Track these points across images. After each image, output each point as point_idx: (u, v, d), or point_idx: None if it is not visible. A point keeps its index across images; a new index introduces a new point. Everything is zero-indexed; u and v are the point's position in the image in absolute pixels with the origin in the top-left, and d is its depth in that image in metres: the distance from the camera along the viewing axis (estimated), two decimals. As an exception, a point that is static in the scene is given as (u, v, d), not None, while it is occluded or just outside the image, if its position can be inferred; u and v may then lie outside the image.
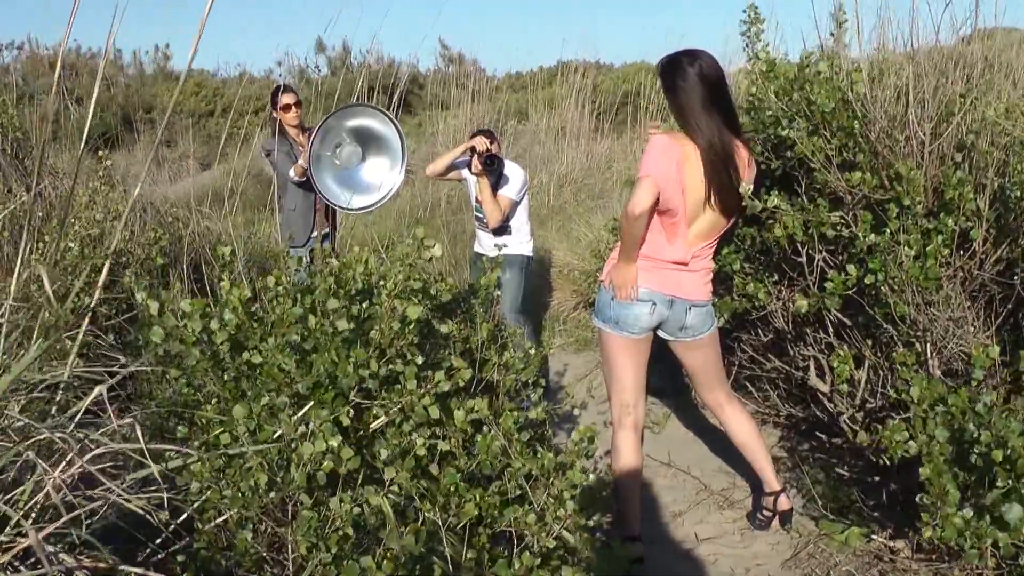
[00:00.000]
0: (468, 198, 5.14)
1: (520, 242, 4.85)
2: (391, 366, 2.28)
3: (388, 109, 5.94)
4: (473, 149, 4.67)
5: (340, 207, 5.00)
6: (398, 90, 8.07)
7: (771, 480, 3.18)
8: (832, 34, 3.39)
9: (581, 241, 6.58)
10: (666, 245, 2.88)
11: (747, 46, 3.40)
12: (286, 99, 5.17)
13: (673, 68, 2.78)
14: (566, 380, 5.06)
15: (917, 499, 2.34)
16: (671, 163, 2.75)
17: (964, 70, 3.16)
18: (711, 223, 2.88)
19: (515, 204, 4.78)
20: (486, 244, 4.88)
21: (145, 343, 2.26)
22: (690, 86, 2.74)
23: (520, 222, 4.87)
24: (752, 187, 2.85)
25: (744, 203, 2.84)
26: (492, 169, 4.53)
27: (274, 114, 5.35)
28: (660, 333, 3.05)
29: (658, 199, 2.75)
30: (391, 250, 3.12)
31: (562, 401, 2.99)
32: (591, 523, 2.19)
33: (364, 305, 2.28)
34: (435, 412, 2.24)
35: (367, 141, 5.07)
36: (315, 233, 5.28)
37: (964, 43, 3.38)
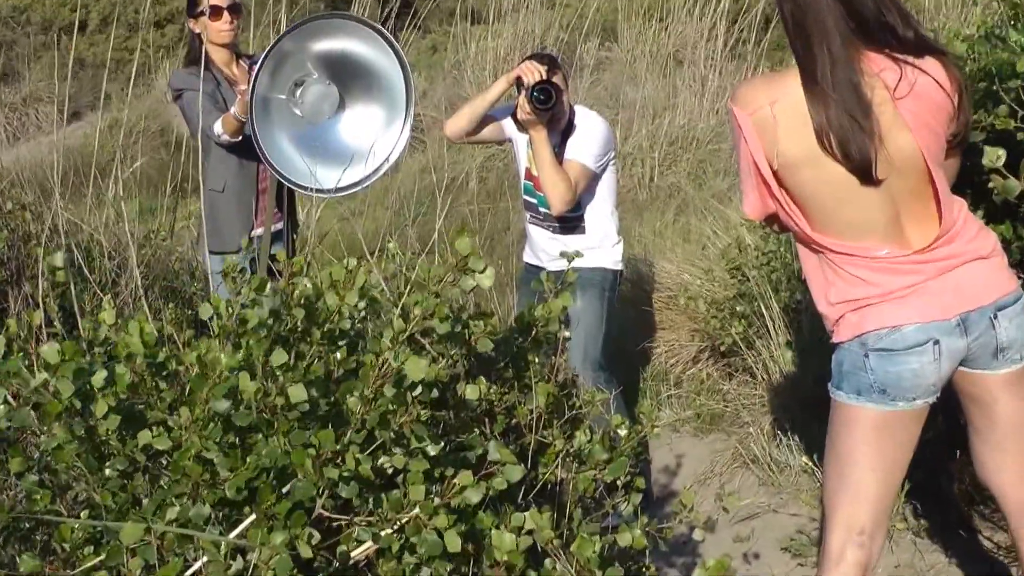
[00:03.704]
0: (516, 171, 5.16)
1: (602, 247, 4.88)
2: (383, 459, 2.29)
3: (383, 24, 6.01)
4: (519, 82, 4.70)
5: (302, 187, 5.06)
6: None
7: None
8: None
9: (708, 246, 6.57)
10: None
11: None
12: (214, -1, 5.29)
13: None
14: (680, 482, 5.05)
15: None
16: None
17: None
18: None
19: (593, 178, 4.81)
20: (545, 249, 4.92)
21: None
22: None
23: (602, 212, 4.89)
24: None
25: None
26: (545, 108, 4.55)
27: (191, 26, 5.45)
28: (962, 380, 3.10)
29: None
30: (386, 262, 3.15)
31: (674, 517, 2.98)
32: None
33: (341, 355, 2.29)
34: (454, 540, 2.23)
35: (348, 78, 5.14)
36: (258, 230, 5.36)
37: None
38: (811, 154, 2.89)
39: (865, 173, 2.87)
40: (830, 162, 2.88)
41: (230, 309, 2.39)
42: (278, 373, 2.23)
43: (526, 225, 5.06)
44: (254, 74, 4.82)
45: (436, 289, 2.33)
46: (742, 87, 3.07)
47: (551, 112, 4.58)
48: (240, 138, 5.09)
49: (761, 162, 2.96)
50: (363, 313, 2.71)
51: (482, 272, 2.42)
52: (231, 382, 2.24)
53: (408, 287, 2.39)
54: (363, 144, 5.14)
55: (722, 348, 5.85)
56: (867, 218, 2.94)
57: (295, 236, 5.60)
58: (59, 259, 2.63)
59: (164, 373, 2.40)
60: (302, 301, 2.35)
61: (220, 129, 5.10)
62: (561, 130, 4.75)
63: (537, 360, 2.98)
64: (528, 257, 5.11)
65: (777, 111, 2.92)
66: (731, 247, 5.94)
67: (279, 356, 2.20)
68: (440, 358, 2.45)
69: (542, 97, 4.55)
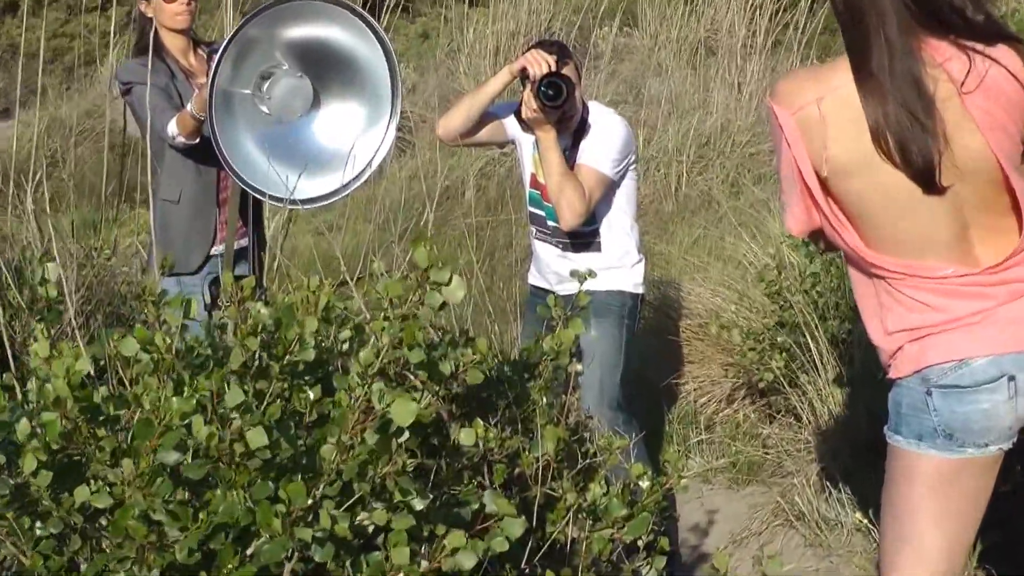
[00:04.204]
0: (520, 178, 5.16)
1: (620, 266, 4.89)
2: (362, 516, 2.28)
3: (365, 7, 6.02)
4: (523, 74, 4.71)
5: (270, 197, 5.08)
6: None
7: None
8: None
9: (744, 266, 6.58)
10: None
11: None
12: (169, -22, 5.30)
13: None
14: (713, 542, 5.03)
15: None
16: None
17: None
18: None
19: (610, 186, 4.82)
20: (554, 269, 4.92)
21: None
22: None
23: (620, 226, 4.90)
24: None
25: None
26: (554, 104, 4.55)
27: (141, 8, 5.45)
28: None
29: None
30: (368, 285, 3.14)
31: (705, 585, 2.98)
32: None
33: (311, 396, 2.28)
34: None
35: (323, 69, 5.16)
36: (217, 248, 5.36)
37: None
38: (865, 159, 2.88)
39: (927, 180, 2.86)
40: (887, 168, 2.87)
41: (166, 341, 2.37)
42: (234, 415, 2.22)
43: (532, 241, 5.07)
44: (214, 65, 4.83)
45: (405, 311, 2.32)
46: (783, 81, 3.07)
47: (561, 109, 4.59)
48: (198, 140, 5.09)
49: (806, 169, 2.95)
50: (344, 345, 2.71)
51: (448, 284, 2.41)
52: (181, 430, 2.23)
53: (376, 312, 2.38)
54: (341, 146, 5.16)
55: (761, 385, 5.84)
56: (929, 232, 2.94)
57: (262, 254, 5.60)
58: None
59: (103, 418, 2.39)
60: (257, 330, 2.34)
61: (175, 130, 5.09)
62: (573, 130, 4.76)
63: (544, 400, 2.98)
64: (534, 279, 5.11)
65: (825, 109, 2.92)
66: (771, 267, 5.93)
67: (234, 395, 2.19)
68: (428, 396, 2.44)
69: (551, 92, 4.55)
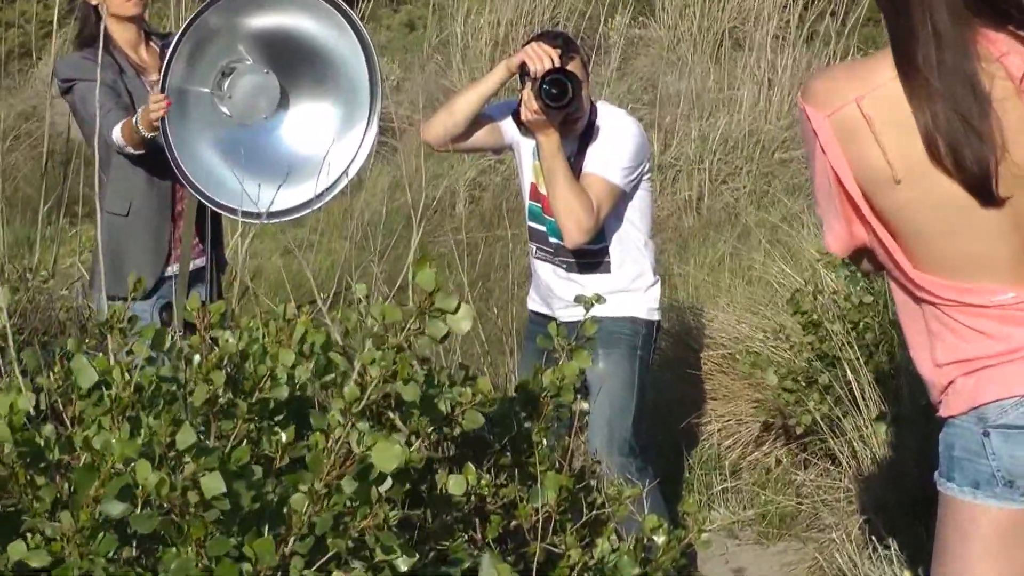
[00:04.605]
0: (519, 188, 5.16)
1: (633, 290, 4.90)
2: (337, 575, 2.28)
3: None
4: (523, 71, 4.73)
5: (231, 210, 5.10)
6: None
7: None
8: None
9: (776, 290, 6.59)
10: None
11: None
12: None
13: None
14: (739, 606, 5.04)
15: None
16: None
17: None
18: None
19: (621, 198, 4.84)
20: (557, 293, 4.94)
21: None
22: None
23: (632, 243, 4.92)
24: None
25: None
26: (558, 105, 4.55)
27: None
28: None
29: None
30: (344, 311, 3.14)
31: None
32: None
33: (283, 438, 2.28)
34: None
35: (293, 64, 5.18)
36: (172, 268, 5.37)
37: None
38: (912, 167, 2.88)
39: (983, 190, 2.86)
40: (938, 176, 2.87)
41: (125, 375, 2.38)
42: (187, 459, 2.22)
43: (531, 261, 5.09)
44: (167, 59, 4.84)
45: (398, 341, 2.32)
46: (818, 79, 3.07)
47: (566, 111, 4.60)
48: (150, 135, 5.06)
49: (846, 178, 2.95)
50: (324, 379, 2.71)
51: (456, 312, 2.41)
52: (127, 476, 2.22)
53: (363, 341, 2.38)
54: (313, 152, 5.18)
55: (795, 426, 5.84)
56: (986, 251, 2.93)
57: (222, 275, 5.60)
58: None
59: (42, 464, 2.38)
60: (223, 362, 2.34)
61: (119, 138, 5.08)
62: (579, 134, 4.77)
63: (545, 442, 2.98)
64: (534, 304, 5.13)
65: (866, 110, 2.91)
66: (806, 291, 5.94)
67: (185, 436, 2.19)
68: (414, 437, 2.44)
69: (554, 91, 4.56)
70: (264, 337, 2.56)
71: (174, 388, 2.45)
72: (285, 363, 2.44)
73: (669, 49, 10.85)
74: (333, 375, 2.59)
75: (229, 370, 2.45)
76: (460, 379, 2.79)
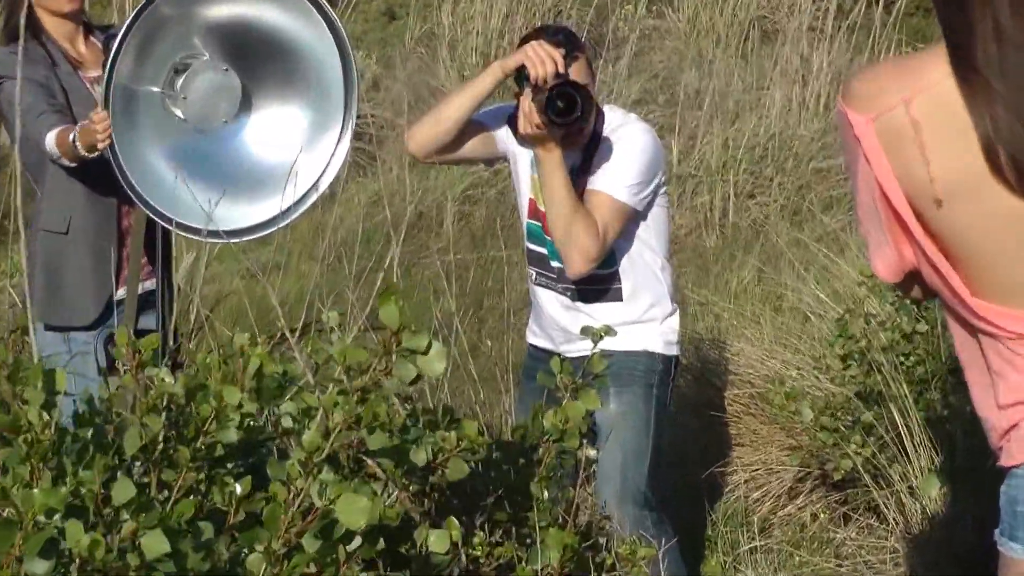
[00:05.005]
0: (516, 204, 5.16)
1: (648, 320, 4.91)
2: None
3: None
4: (521, 74, 4.73)
5: (185, 227, 5.09)
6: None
7: None
8: None
9: (812, 317, 6.60)
10: None
11: None
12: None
13: None
14: None
15: None
16: None
17: None
18: None
19: (633, 217, 4.84)
20: (560, 324, 4.94)
21: None
22: None
23: (647, 267, 4.93)
24: None
25: None
26: (565, 121, 4.54)
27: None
28: None
29: None
30: (315, 342, 3.14)
31: None
32: None
33: (236, 490, 2.27)
34: None
35: (256, 61, 5.19)
36: (120, 292, 5.35)
37: None
38: (970, 179, 2.87)
39: None
40: (999, 190, 2.86)
41: (43, 416, 2.36)
42: (125, 515, 2.21)
43: (531, 288, 5.09)
44: (112, 54, 4.82)
45: (362, 384, 2.31)
46: (861, 78, 3.06)
47: (573, 128, 4.59)
48: (96, 154, 5.03)
49: (893, 193, 2.94)
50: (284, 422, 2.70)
51: (427, 352, 2.40)
52: (51, 529, 2.21)
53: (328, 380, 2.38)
54: (279, 162, 5.18)
55: (833, 472, 5.84)
56: None
57: (174, 301, 5.59)
58: None
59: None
60: (162, 403, 2.33)
61: (53, 147, 5.03)
62: (583, 144, 4.76)
63: (547, 494, 2.98)
64: (535, 337, 5.13)
65: (916, 112, 2.90)
66: (848, 320, 5.94)
67: (123, 489, 2.18)
68: (389, 488, 2.43)
69: (562, 105, 4.54)
70: (214, 372, 2.55)
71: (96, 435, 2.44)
72: (231, 401, 2.42)
73: (689, 42, 10.87)
74: (290, 418, 2.58)
75: (170, 411, 2.44)
76: (444, 422, 2.78)
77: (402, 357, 2.40)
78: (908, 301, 5.38)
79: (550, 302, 4.94)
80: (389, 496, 2.56)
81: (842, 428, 5.73)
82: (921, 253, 2.97)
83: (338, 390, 2.41)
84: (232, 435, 2.45)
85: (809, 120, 9.86)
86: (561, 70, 4.59)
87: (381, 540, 2.33)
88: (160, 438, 2.38)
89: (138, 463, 2.40)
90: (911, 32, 10.36)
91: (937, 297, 3.08)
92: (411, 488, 2.72)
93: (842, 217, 8.45)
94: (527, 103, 4.60)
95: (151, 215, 5.02)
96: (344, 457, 2.44)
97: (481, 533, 2.77)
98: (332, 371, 2.67)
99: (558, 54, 4.63)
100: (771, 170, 9.57)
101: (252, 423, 2.54)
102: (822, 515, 5.98)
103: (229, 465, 2.47)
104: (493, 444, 3.00)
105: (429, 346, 2.42)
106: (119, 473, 2.28)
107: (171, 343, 4.98)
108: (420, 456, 2.67)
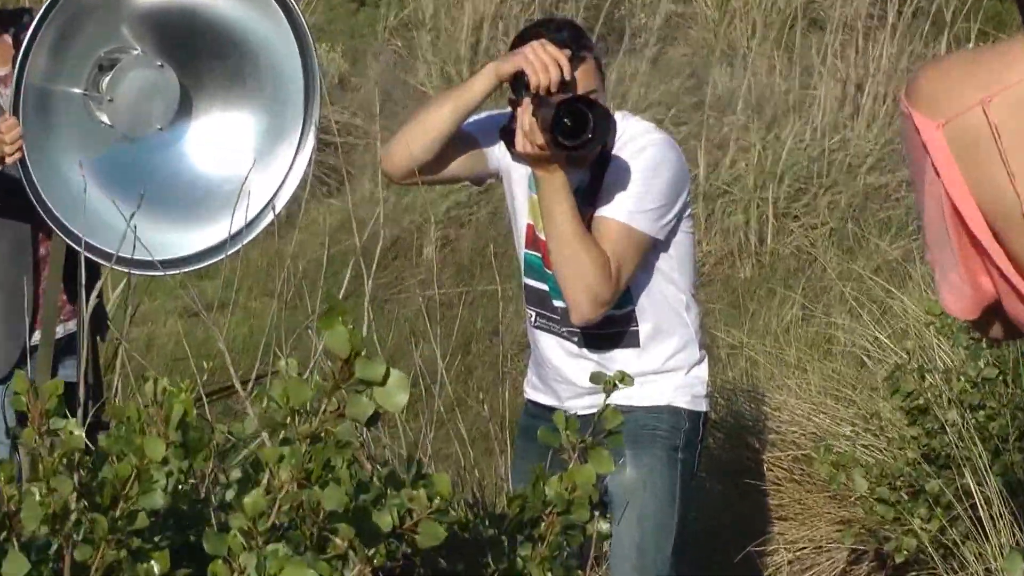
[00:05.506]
0: (510, 227, 5.15)
1: (670, 369, 4.92)
2: None
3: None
4: (517, 81, 4.72)
5: (112, 257, 5.06)
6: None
7: None
8: None
9: (865, 362, 6.58)
10: None
11: None
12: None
13: None
14: None
15: None
16: None
17: None
18: None
19: (651, 246, 4.83)
20: (565, 374, 4.96)
21: None
22: None
23: (668, 305, 4.94)
24: None
25: None
26: (574, 143, 4.52)
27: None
28: None
29: None
30: (264, 390, 3.12)
31: None
32: None
33: (155, 570, 2.25)
34: None
35: (199, 57, 5.23)
36: (37, 334, 5.37)
37: None
38: None
39: None
40: None
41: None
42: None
43: (530, 331, 5.10)
44: (23, 48, 4.82)
45: (310, 430, 2.29)
46: (928, 74, 3.04)
47: (581, 152, 4.57)
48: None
49: (967, 211, 2.92)
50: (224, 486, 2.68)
51: (384, 382, 2.36)
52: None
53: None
54: (227, 176, 5.17)
55: (894, 553, 5.83)
56: None
57: (101, 344, 5.58)
58: None
59: None
60: (73, 464, 2.30)
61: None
62: (592, 160, 4.74)
63: (551, 573, 2.95)
64: (534, 391, 5.16)
65: (996, 116, 2.89)
66: (909, 368, 5.94)
67: (15, 566, 2.16)
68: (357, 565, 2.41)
69: (569, 123, 4.52)
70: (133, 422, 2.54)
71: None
72: (154, 457, 2.39)
73: (718, 32, 10.91)
74: (224, 478, 2.56)
75: (81, 474, 2.42)
76: (410, 478, 2.76)
77: (354, 392, 2.38)
78: (985, 343, 5.37)
79: (553, 349, 4.94)
80: (350, 571, 2.54)
81: (904, 498, 5.73)
82: (1004, 283, 2.96)
83: (281, 438, 2.40)
84: (158, 499, 2.42)
85: (863, 126, 9.90)
86: (567, 76, 4.58)
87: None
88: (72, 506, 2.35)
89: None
90: (986, 19, 10.41)
91: (1020, 336, 3.06)
92: (376, 561, 2.69)
93: (904, 243, 8.47)
94: (526, 118, 4.59)
95: (70, 242, 4.99)
96: (298, 523, 2.42)
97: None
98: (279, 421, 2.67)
99: (564, 58, 4.62)
100: (817, 187, 9.60)
101: (182, 486, 2.52)
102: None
103: (156, 539, 2.44)
104: (485, 518, 3.00)
105: (387, 375, 2.39)
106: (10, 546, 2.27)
107: (99, 395, 4.97)
108: (385, 520, 2.64)
